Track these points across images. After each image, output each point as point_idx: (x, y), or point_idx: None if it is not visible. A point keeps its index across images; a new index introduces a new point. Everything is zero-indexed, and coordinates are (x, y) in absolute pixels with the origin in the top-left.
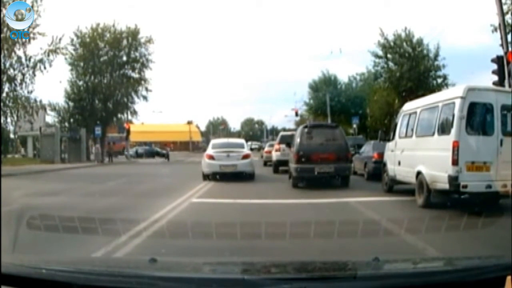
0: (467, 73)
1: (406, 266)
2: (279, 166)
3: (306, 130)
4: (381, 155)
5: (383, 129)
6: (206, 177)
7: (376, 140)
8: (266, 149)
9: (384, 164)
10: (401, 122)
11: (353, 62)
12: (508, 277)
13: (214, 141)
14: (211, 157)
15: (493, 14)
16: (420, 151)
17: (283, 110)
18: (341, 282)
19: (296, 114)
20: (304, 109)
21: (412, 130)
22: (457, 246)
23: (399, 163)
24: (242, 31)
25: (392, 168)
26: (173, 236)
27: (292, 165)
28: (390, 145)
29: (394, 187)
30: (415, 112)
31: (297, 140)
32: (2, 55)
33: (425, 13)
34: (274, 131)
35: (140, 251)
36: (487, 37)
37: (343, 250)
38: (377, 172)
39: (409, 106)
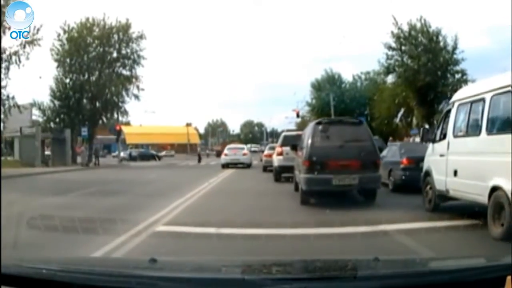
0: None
1: (406, 266)
2: (281, 173)
3: (320, 127)
4: (412, 160)
5: (425, 126)
6: (223, 166)
7: (402, 142)
8: (266, 152)
9: (427, 174)
10: (455, 115)
11: (355, 65)
12: (508, 277)
13: (228, 146)
14: (226, 154)
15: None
16: (495, 156)
17: (283, 112)
18: (341, 282)
19: (297, 115)
20: (306, 110)
21: (479, 125)
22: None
23: (455, 173)
24: (241, 32)
25: (442, 180)
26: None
27: (302, 175)
28: (437, 147)
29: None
30: (482, 99)
31: (308, 141)
32: None
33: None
34: (274, 134)
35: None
36: (485, 41)
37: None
38: (406, 182)
39: (468, 92)
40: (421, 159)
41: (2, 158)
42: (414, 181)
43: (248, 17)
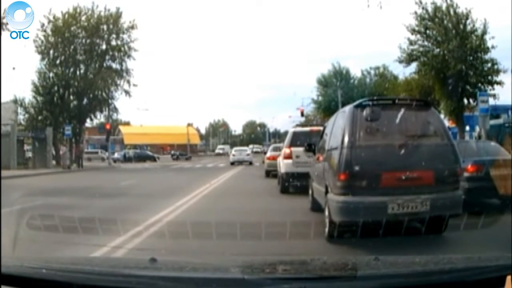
0: None
1: (406, 266)
2: (289, 181)
3: (364, 113)
4: (480, 166)
5: None
6: (231, 163)
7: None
8: (269, 154)
9: None
10: None
11: (360, 65)
12: (508, 277)
13: (234, 148)
14: (234, 155)
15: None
16: None
17: (286, 112)
18: (341, 282)
19: (302, 114)
20: (311, 108)
21: None
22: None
23: None
24: (242, 31)
25: None
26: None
27: (332, 197)
28: None
29: None
30: None
31: (344, 138)
32: None
33: None
34: (276, 134)
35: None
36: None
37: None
38: (473, 198)
39: None
40: (491, 164)
41: None
42: (482, 196)
43: (251, 18)
